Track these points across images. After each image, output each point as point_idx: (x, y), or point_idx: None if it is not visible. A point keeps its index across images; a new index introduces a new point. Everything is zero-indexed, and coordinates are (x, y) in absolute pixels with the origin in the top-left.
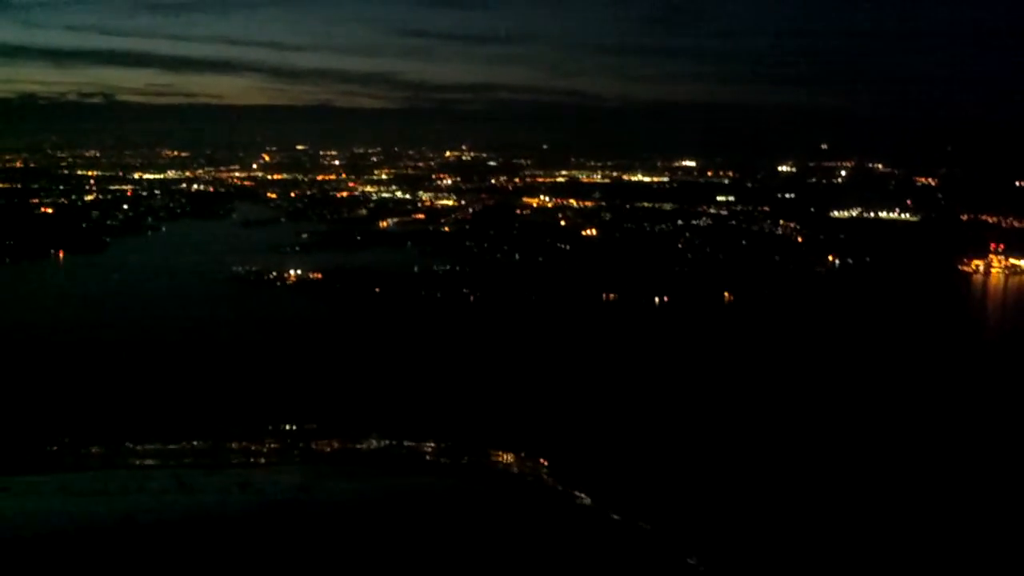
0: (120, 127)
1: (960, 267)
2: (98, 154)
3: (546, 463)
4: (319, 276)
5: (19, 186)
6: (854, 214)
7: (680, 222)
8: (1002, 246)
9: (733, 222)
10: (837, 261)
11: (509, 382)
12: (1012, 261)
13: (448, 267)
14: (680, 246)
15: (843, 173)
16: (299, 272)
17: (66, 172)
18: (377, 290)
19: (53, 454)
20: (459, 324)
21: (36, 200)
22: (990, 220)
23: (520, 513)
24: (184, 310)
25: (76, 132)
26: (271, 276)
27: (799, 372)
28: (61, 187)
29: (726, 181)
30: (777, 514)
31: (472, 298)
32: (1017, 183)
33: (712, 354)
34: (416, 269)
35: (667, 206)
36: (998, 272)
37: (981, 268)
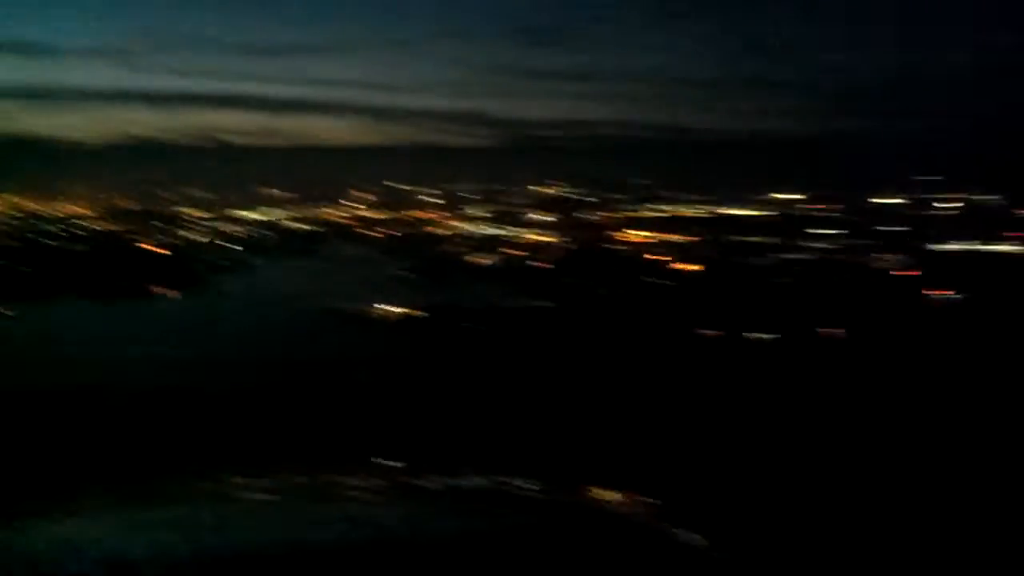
0: (224, 167)
1: None
2: (202, 194)
3: (654, 502)
4: (413, 312)
5: (127, 226)
6: (963, 247)
7: (783, 256)
8: None
9: (838, 256)
10: (947, 295)
11: (612, 418)
12: None
13: (543, 303)
14: (783, 280)
15: (950, 205)
16: (394, 308)
17: (172, 211)
18: (470, 326)
19: (156, 483)
20: (555, 361)
21: (142, 239)
22: None
23: (625, 556)
24: (281, 345)
25: (183, 173)
26: (366, 312)
27: (923, 411)
28: (166, 226)
29: (829, 214)
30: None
31: (569, 334)
32: None
33: (828, 393)
34: (510, 305)
35: (771, 240)
36: None
37: None
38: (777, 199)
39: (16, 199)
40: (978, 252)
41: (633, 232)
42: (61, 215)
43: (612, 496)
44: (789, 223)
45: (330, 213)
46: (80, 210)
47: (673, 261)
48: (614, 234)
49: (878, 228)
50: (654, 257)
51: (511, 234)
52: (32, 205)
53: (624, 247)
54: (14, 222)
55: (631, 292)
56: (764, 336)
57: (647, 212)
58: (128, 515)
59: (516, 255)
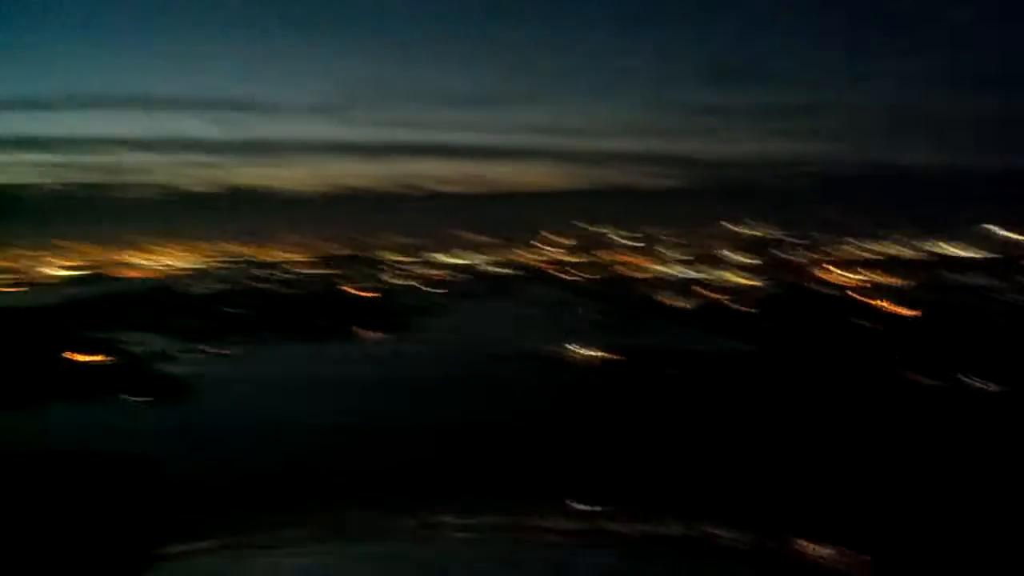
0: (426, 214)
1: None
2: (406, 239)
3: (865, 557)
4: (610, 356)
5: (338, 271)
6: None
7: (1002, 298)
8: None
9: None
10: None
11: (821, 466)
12: None
13: (743, 347)
14: (1003, 324)
15: None
16: (591, 352)
17: (377, 257)
18: (670, 371)
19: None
20: (758, 406)
21: (351, 284)
22: None
23: None
24: (482, 387)
25: (388, 220)
26: (563, 355)
27: None
28: (372, 271)
29: None
30: None
31: (768, 380)
32: None
33: None
34: (709, 349)
35: (987, 281)
36: None
37: None
38: (996, 236)
39: (235, 247)
40: None
41: (840, 272)
42: (275, 260)
43: (821, 550)
44: (1011, 263)
45: (527, 256)
46: (293, 256)
47: (884, 303)
48: (819, 275)
49: None
50: (864, 299)
51: (709, 276)
52: (248, 252)
53: (831, 289)
54: (233, 268)
55: (839, 336)
56: (987, 387)
57: (854, 251)
58: (340, 548)
59: (714, 297)
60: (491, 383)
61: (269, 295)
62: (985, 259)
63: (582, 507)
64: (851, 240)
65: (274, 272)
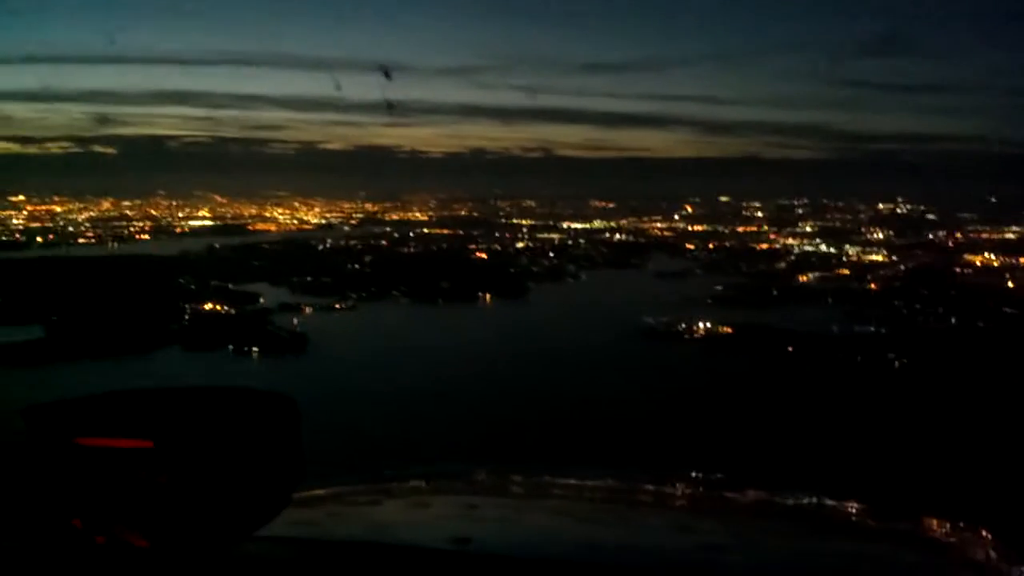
0: (556, 179)
1: None
2: (533, 204)
3: (989, 535)
4: (729, 331)
5: (462, 233)
6: None
7: None
8: None
9: None
10: None
11: (941, 449)
12: None
13: (872, 329)
14: None
15: None
16: (708, 326)
17: (503, 221)
18: (790, 349)
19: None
20: (879, 390)
21: (474, 246)
22: None
23: None
24: (591, 359)
25: (516, 184)
26: (680, 329)
27: None
28: (496, 235)
29: None
30: None
31: (897, 364)
32: None
33: None
34: (835, 329)
35: None
36: None
37: None
38: None
39: (367, 205)
40: None
41: (982, 254)
42: (404, 219)
43: (947, 526)
44: None
45: (654, 226)
46: (421, 215)
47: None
48: (960, 256)
49: None
50: (1005, 283)
51: (844, 252)
52: (379, 210)
53: (970, 271)
54: (363, 225)
55: (974, 321)
56: None
57: (1000, 234)
58: (457, 500)
59: (847, 275)
60: (604, 353)
61: (394, 253)
62: None
63: (698, 474)
64: (1003, 223)
65: (401, 231)
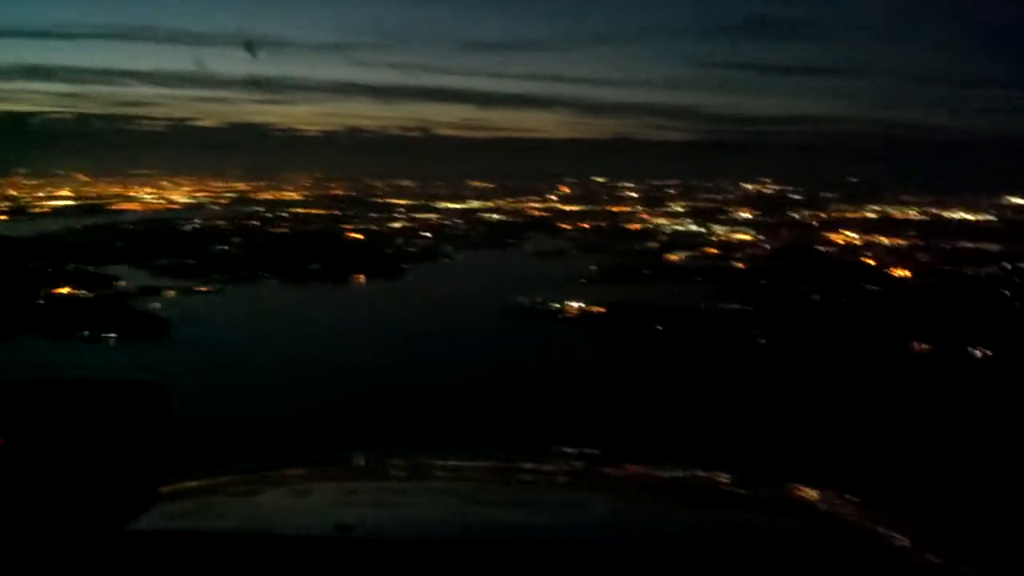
0: (432, 159)
1: None
2: (411, 184)
3: (856, 500)
4: (601, 310)
5: (336, 213)
6: None
7: (1008, 265)
8: None
9: None
10: None
11: (801, 420)
12: None
13: (737, 306)
14: (1007, 292)
15: None
16: (581, 305)
17: (380, 200)
18: (659, 327)
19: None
20: (742, 365)
21: (348, 226)
22: None
23: (830, 552)
24: (463, 336)
25: (393, 163)
26: (553, 308)
27: None
28: (372, 214)
29: None
30: None
31: (761, 341)
32: None
33: None
34: (702, 306)
35: (992, 247)
36: None
37: None
38: (1006, 204)
39: (238, 184)
40: None
41: (849, 234)
42: (276, 199)
43: (815, 493)
44: (1016, 229)
45: (530, 205)
46: (294, 195)
47: (892, 267)
48: (828, 236)
49: None
50: (871, 263)
51: (712, 232)
52: (250, 189)
53: (833, 249)
54: (233, 205)
55: (841, 299)
56: (981, 352)
57: (861, 213)
58: (339, 486)
59: (715, 253)
60: (476, 333)
61: (265, 234)
62: (999, 226)
63: (574, 451)
64: (864, 202)
65: (273, 211)
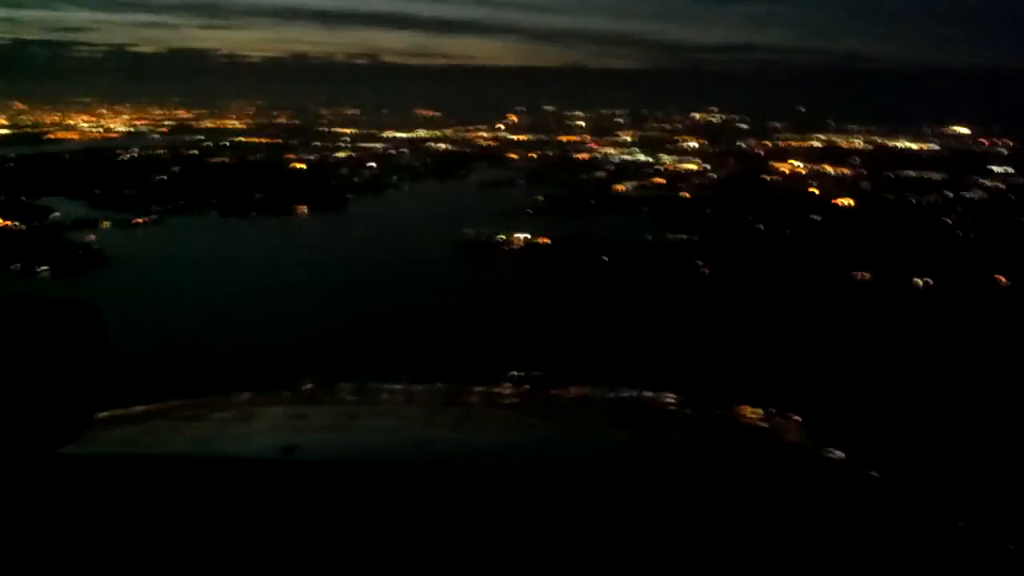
0: (379, 86)
1: None
2: (357, 112)
3: (798, 419)
4: (546, 241)
5: (280, 141)
6: None
7: (950, 194)
8: None
9: (1012, 196)
10: None
11: (743, 346)
12: None
13: (684, 236)
14: (949, 221)
15: None
16: (527, 236)
17: (325, 129)
18: (605, 259)
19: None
20: (686, 295)
21: (292, 155)
22: None
23: (771, 469)
24: (406, 268)
25: (340, 91)
26: (497, 240)
27: None
28: (317, 143)
29: (1004, 151)
30: None
31: (706, 271)
32: None
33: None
34: (649, 237)
35: (935, 176)
36: None
37: None
38: (948, 133)
39: (179, 111)
40: None
41: (793, 163)
42: (218, 127)
43: (756, 412)
44: (959, 159)
45: (478, 135)
46: (237, 123)
47: (835, 196)
48: (770, 164)
49: None
50: (815, 190)
51: (660, 161)
52: (192, 117)
53: (778, 178)
54: (174, 134)
55: (786, 228)
56: (922, 281)
57: (808, 142)
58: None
59: (663, 183)
60: (422, 264)
61: (206, 164)
62: (942, 154)
63: (521, 374)
64: (810, 131)
65: (215, 140)
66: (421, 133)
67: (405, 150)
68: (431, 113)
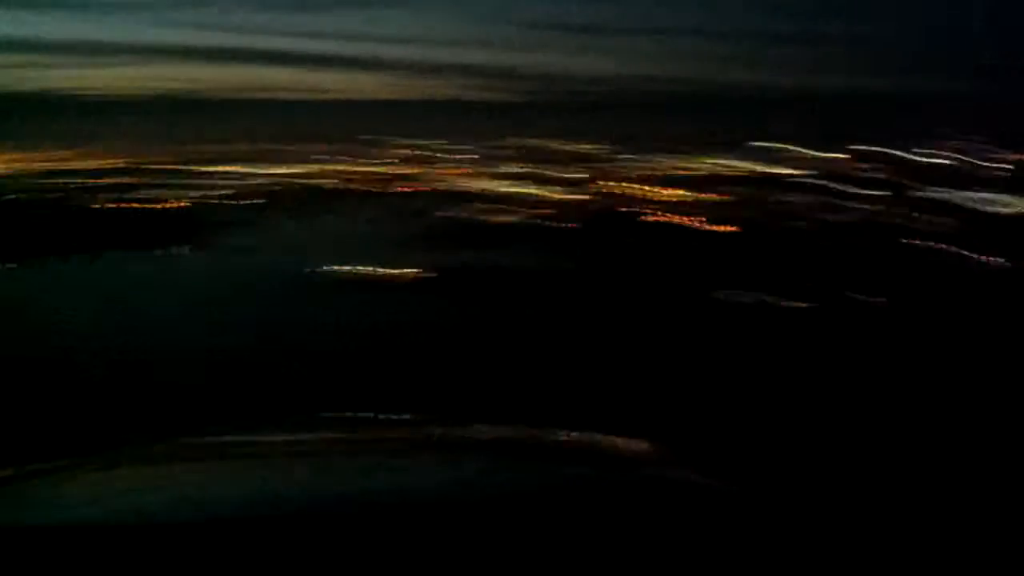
0: (252, 122)
1: None
2: (222, 148)
3: (666, 447)
4: (425, 274)
5: (144, 181)
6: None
7: (820, 217)
8: None
9: (880, 219)
10: (996, 260)
11: (626, 373)
12: None
13: (564, 264)
14: (820, 244)
15: (1003, 165)
16: (405, 270)
17: (190, 167)
18: (481, 290)
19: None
20: (566, 324)
21: (157, 193)
22: None
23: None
24: (278, 307)
25: (206, 127)
26: (371, 274)
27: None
28: (182, 181)
29: (873, 174)
30: None
31: (577, 297)
32: None
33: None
34: (530, 266)
35: (806, 199)
36: None
37: None
38: (818, 157)
39: (40, 153)
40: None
41: (666, 190)
42: (79, 168)
43: (624, 442)
44: (829, 182)
45: (354, 169)
46: (100, 164)
47: (706, 222)
48: (644, 192)
49: (923, 189)
50: (685, 217)
51: (536, 192)
52: (50, 159)
53: (650, 205)
54: (30, 177)
55: (658, 253)
56: (797, 304)
57: (681, 169)
58: (115, 474)
59: (540, 213)
60: (285, 303)
61: (76, 206)
62: (804, 176)
63: (392, 417)
64: (679, 158)
65: (76, 181)
66: (292, 168)
67: (274, 186)
68: (303, 147)
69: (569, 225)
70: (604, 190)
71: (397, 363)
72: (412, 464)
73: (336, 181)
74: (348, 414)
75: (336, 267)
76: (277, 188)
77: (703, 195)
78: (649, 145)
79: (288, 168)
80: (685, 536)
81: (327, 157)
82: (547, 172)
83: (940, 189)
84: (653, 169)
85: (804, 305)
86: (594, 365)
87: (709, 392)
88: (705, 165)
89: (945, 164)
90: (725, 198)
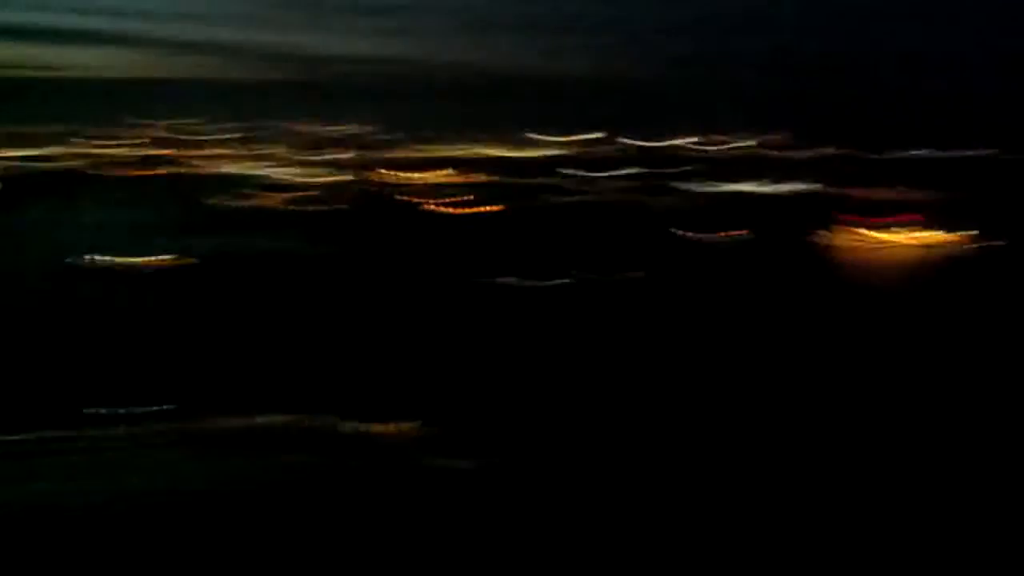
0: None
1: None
2: None
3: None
4: (180, 261)
5: None
6: (754, 188)
7: (566, 199)
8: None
9: (621, 197)
10: (727, 235)
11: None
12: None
13: (326, 248)
14: (567, 223)
15: (740, 146)
16: (157, 257)
17: None
18: (243, 272)
19: None
20: (336, 304)
21: None
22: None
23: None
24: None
25: None
26: (117, 263)
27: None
28: None
29: (619, 155)
30: None
31: (340, 282)
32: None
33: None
34: (289, 250)
35: (555, 181)
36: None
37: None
38: (572, 140)
39: None
40: (766, 194)
41: (425, 173)
42: None
43: (388, 427)
44: (580, 163)
45: (98, 151)
46: None
47: (462, 204)
48: (404, 175)
49: (667, 170)
50: (444, 199)
51: (297, 175)
52: None
53: (414, 189)
54: None
55: (419, 236)
56: (556, 282)
57: (440, 152)
58: None
59: (301, 197)
60: (26, 296)
61: None
62: (557, 158)
63: (153, 409)
64: (440, 142)
65: None
66: (31, 151)
67: (11, 168)
68: (41, 129)
69: (333, 208)
70: (370, 174)
71: (157, 355)
72: (174, 458)
73: (84, 163)
74: (109, 410)
75: (87, 257)
76: (10, 171)
77: (467, 178)
78: (417, 130)
79: (31, 151)
80: (447, 519)
81: (64, 139)
82: (311, 156)
83: (680, 169)
84: (419, 153)
85: (567, 281)
86: (356, 350)
87: (474, 374)
88: (470, 150)
89: (689, 146)
90: (489, 179)
